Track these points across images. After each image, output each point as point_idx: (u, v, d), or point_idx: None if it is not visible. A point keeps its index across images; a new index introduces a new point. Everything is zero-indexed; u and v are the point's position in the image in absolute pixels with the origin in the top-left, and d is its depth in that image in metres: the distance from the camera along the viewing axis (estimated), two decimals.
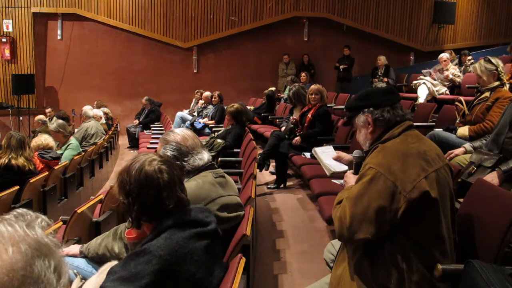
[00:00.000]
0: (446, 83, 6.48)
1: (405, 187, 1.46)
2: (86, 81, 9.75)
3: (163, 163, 1.48)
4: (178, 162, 1.93)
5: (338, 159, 2.55)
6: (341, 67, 9.36)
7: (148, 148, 5.05)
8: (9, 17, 9.28)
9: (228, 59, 10.19)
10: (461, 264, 1.45)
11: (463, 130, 3.31)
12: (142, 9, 9.70)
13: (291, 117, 5.12)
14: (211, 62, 10.20)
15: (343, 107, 5.79)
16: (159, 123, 8.10)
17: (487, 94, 3.35)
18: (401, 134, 1.62)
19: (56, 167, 3.94)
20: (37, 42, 9.52)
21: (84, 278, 1.70)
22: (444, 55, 6.66)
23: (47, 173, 3.73)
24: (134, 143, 8.04)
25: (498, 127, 2.62)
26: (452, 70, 6.49)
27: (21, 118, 9.33)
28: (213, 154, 3.97)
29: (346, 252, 1.61)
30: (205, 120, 7.20)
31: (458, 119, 3.65)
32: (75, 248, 1.94)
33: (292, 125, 4.95)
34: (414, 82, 6.77)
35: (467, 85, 5.72)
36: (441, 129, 3.58)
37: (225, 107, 5.62)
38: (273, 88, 8.19)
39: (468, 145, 3.03)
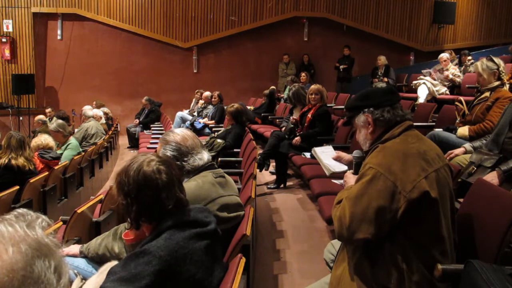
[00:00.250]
0: (446, 83, 6.48)
1: (405, 187, 1.46)
2: (86, 81, 9.75)
3: (162, 164, 1.48)
4: (178, 162, 1.93)
5: (338, 159, 2.55)
6: (341, 67, 9.35)
7: (148, 148, 5.05)
8: (9, 17, 9.28)
9: (228, 59, 10.18)
10: (461, 264, 1.45)
11: (463, 130, 3.31)
12: (142, 9, 9.70)
13: (291, 117, 5.12)
14: (211, 62, 10.19)
15: (343, 107, 5.79)
16: (159, 123, 8.10)
17: (487, 94, 3.35)
18: (401, 134, 1.62)
19: (56, 167, 3.94)
20: (37, 42, 9.52)
21: (84, 278, 1.70)
22: (444, 55, 6.65)
23: (47, 173, 3.73)
24: (134, 143, 8.04)
25: (498, 127, 2.62)
26: (452, 70, 6.49)
27: (21, 118, 9.32)
28: (213, 154, 3.97)
29: (346, 252, 1.61)
30: (205, 120, 7.19)
31: (458, 119, 3.65)
32: (75, 248, 1.94)
33: (292, 125, 4.95)
34: (414, 82, 6.76)
35: (467, 85, 5.72)
36: (441, 129, 3.58)
37: (225, 107, 5.62)
38: (273, 87, 8.20)
39: (468, 145, 3.02)
